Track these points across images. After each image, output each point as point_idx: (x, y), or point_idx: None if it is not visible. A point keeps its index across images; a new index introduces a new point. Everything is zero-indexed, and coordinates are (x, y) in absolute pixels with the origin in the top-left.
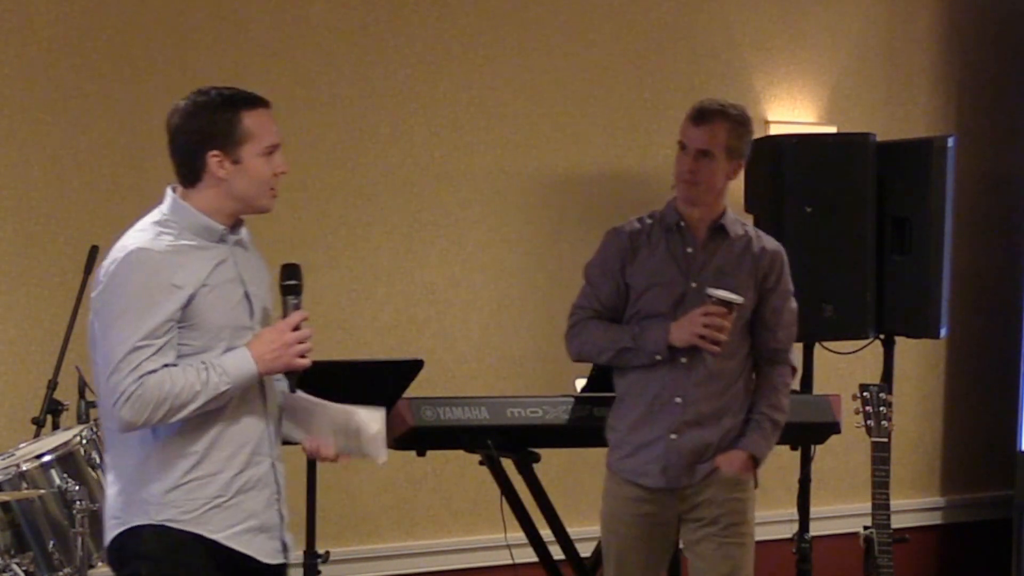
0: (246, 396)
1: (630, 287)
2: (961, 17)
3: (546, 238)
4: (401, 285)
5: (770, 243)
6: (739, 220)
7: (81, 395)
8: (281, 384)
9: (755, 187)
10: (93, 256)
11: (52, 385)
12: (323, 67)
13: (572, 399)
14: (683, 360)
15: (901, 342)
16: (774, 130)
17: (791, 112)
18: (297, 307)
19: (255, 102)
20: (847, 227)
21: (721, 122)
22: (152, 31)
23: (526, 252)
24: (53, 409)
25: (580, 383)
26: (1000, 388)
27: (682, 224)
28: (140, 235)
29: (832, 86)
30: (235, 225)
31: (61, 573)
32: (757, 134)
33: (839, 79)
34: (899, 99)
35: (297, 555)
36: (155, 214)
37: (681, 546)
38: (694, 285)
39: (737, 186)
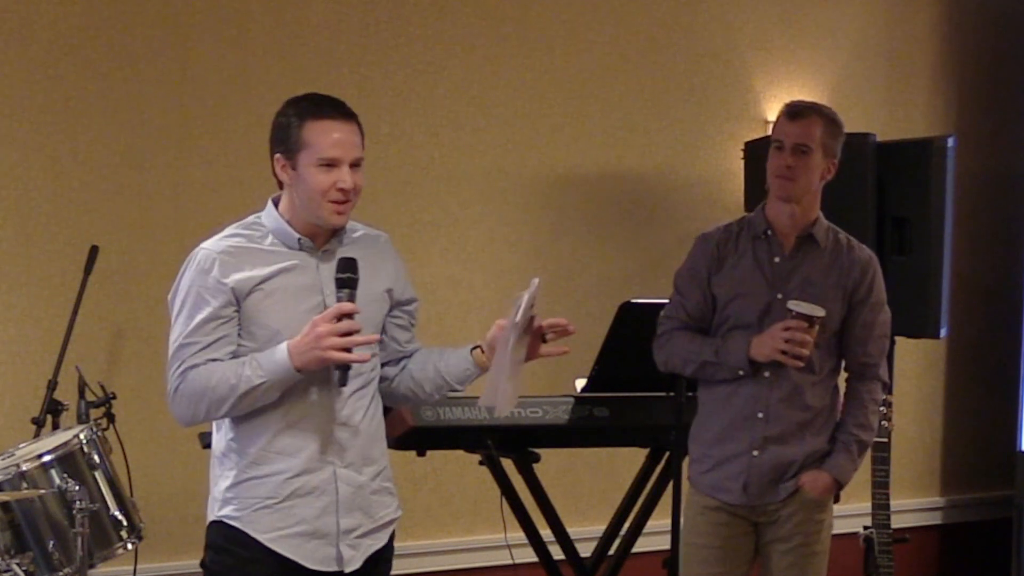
0: (309, 400)
1: (716, 297)
2: (961, 17)
3: (546, 238)
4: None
5: (862, 252)
6: (832, 228)
7: (81, 395)
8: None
9: (755, 187)
10: (93, 256)
11: (52, 385)
12: (323, 67)
13: (572, 399)
14: (766, 375)
15: (901, 342)
16: None
17: None
18: (345, 299)
19: (327, 112)
20: (847, 227)
21: (817, 118)
22: (152, 31)
23: (526, 252)
24: (53, 409)
25: (580, 383)
26: (1000, 388)
27: (769, 232)
28: (213, 237)
29: (832, 86)
30: (334, 236)
31: (61, 573)
32: (757, 134)
33: (839, 79)
34: (899, 99)
35: None
36: (250, 217)
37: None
38: (779, 296)
39: (737, 186)
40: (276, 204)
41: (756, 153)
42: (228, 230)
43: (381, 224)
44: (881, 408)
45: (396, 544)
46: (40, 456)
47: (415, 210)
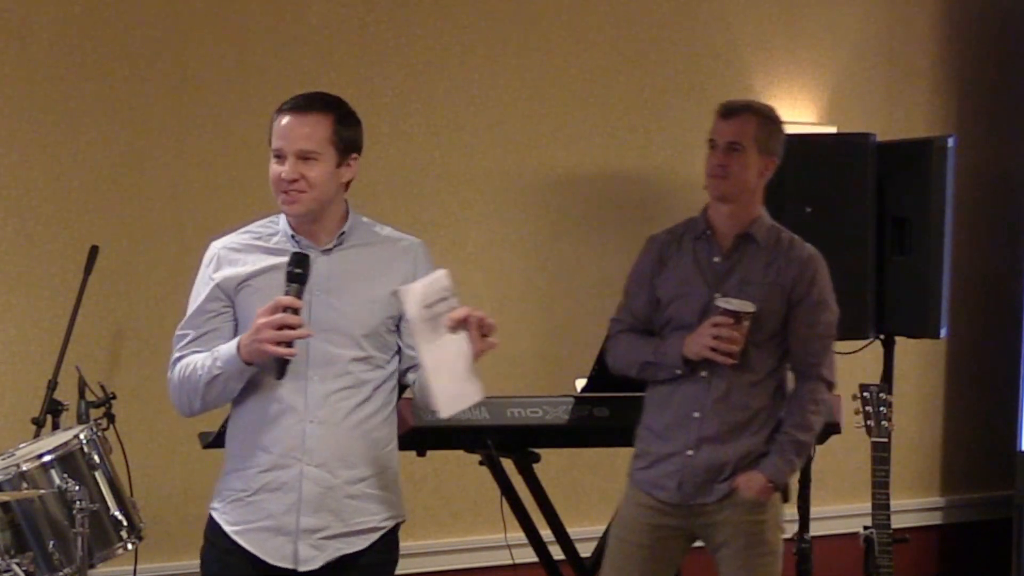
0: (285, 397)
1: (660, 298)
2: (961, 17)
3: (546, 238)
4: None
5: (803, 250)
6: (776, 227)
7: (81, 395)
8: None
9: None
10: (93, 256)
11: (52, 385)
12: (323, 67)
13: (572, 399)
14: (703, 374)
15: (901, 342)
16: None
17: (791, 112)
18: (292, 294)
19: (286, 106)
20: (847, 227)
21: (750, 116)
22: (152, 31)
23: (526, 252)
24: (53, 409)
25: (580, 383)
26: (1000, 388)
27: (709, 232)
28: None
29: (832, 86)
30: (335, 235)
31: (61, 573)
32: None
33: (839, 79)
34: (899, 99)
35: None
36: (273, 216)
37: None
38: (718, 295)
39: None
40: None
41: None
42: (247, 227)
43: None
44: (819, 407)
45: None
46: (40, 456)
47: (415, 210)
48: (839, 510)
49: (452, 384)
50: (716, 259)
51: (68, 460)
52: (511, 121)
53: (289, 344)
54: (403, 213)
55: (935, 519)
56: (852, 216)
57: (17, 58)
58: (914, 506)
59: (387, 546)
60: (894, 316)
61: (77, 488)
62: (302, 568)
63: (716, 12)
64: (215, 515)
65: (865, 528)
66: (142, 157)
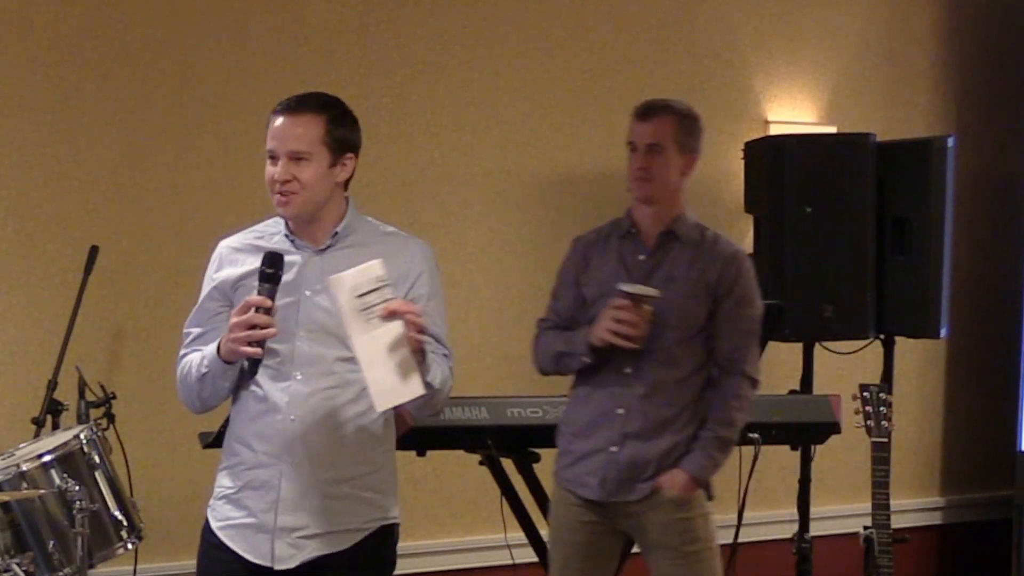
0: (268, 395)
1: (586, 297)
2: (961, 17)
3: (546, 238)
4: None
5: (726, 248)
6: (699, 225)
7: (81, 395)
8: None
9: (755, 187)
10: (93, 256)
11: (52, 385)
12: (323, 67)
13: None
14: (627, 371)
15: (901, 342)
16: (774, 130)
17: (791, 112)
18: (264, 294)
19: (279, 108)
20: (847, 227)
21: (667, 115)
22: (152, 31)
23: (526, 252)
24: (53, 409)
25: None
26: (1000, 388)
27: (633, 230)
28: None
29: (832, 86)
30: (331, 235)
31: (61, 573)
32: (757, 134)
33: (839, 79)
34: (899, 99)
35: None
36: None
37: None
38: (621, 284)
39: (737, 186)
40: None
41: (756, 153)
42: (254, 226)
43: None
44: (742, 403)
45: (398, 544)
46: (40, 456)
47: (415, 210)
48: (839, 510)
49: (386, 377)
50: (641, 257)
51: (68, 460)
52: (511, 121)
53: (261, 344)
54: (403, 213)
55: (935, 519)
56: (852, 216)
57: (17, 58)
58: (914, 506)
59: (373, 548)
60: (894, 316)
61: (77, 488)
62: (278, 567)
63: (716, 12)
64: (208, 512)
65: (865, 528)
66: (142, 157)
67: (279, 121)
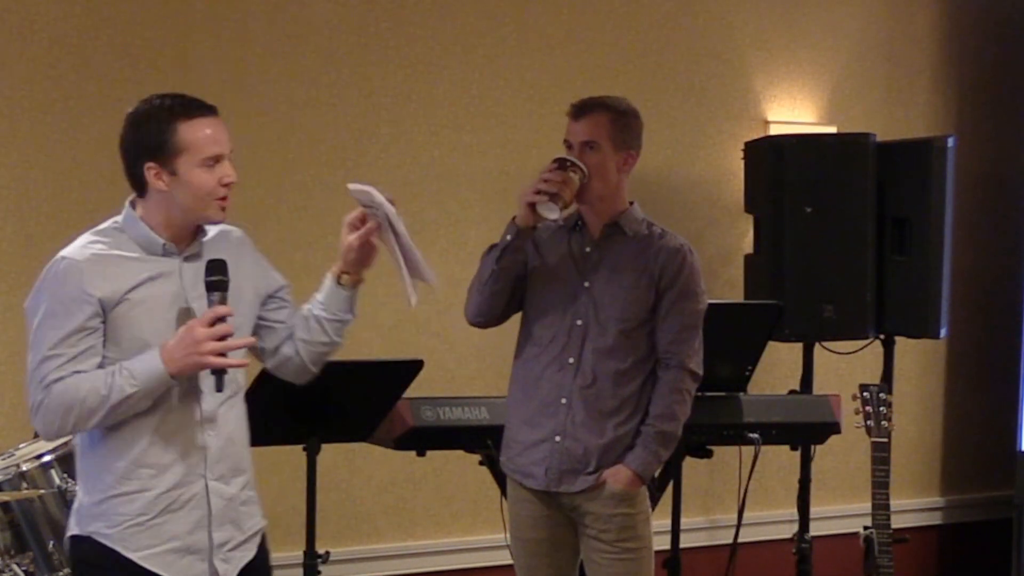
0: (178, 410)
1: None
2: (961, 17)
3: None
4: (401, 285)
5: (671, 242)
6: (646, 220)
7: None
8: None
9: (755, 187)
10: None
11: None
12: (323, 67)
13: None
14: (570, 360)
15: (901, 342)
16: (774, 130)
17: (791, 112)
18: (217, 302)
19: (194, 111)
20: (847, 227)
21: (601, 112)
22: (152, 31)
23: None
24: None
25: None
26: (1000, 388)
27: (580, 223)
28: (73, 244)
29: (832, 86)
30: (195, 238)
31: (61, 573)
32: (757, 134)
33: (839, 79)
34: (899, 99)
35: (297, 555)
36: (107, 222)
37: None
38: (587, 284)
39: (737, 186)
40: (133, 207)
41: (756, 153)
42: (86, 237)
43: None
44: (683, 396)
45: (396, 544)
46: (40, 456)
47: (415, 210)
48: (839, 510)
49: (416, 274)
50: (587, 249)
51: (68, 460)
52: (511, 121)
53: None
54: (403, 213)
55: (935, 519)
56: (852, 216)
57: (17, 58)
58: (914, 506)
59: (264, 546)
60: (894, 316)
61: (77, 488)
62: None
63: (716, 12)
64: (107, 542)
65: (865, 528)
66: None
67: (210, 124)
